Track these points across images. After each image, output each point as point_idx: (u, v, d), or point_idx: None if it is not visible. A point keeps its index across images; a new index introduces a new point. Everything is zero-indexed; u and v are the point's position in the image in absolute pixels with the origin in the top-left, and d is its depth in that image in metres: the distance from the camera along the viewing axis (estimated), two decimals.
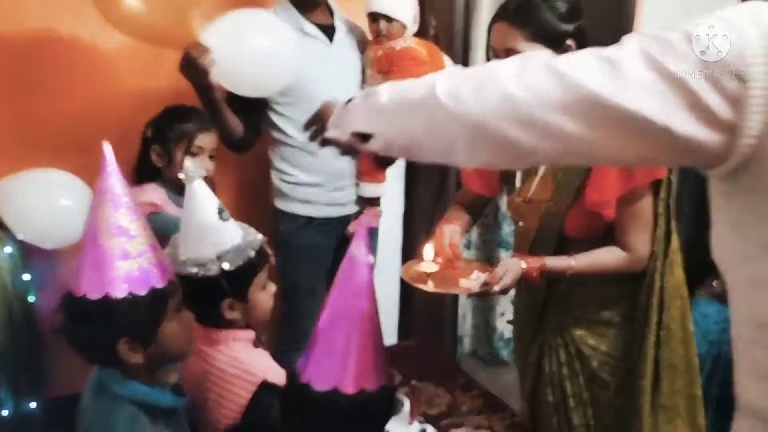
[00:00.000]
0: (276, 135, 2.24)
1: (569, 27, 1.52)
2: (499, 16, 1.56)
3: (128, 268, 1.13)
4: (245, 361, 1.34)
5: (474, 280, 1.58)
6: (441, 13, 2.76)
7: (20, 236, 2.04)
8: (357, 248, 1.08)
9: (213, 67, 1.87)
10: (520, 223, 1.71)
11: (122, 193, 1.15)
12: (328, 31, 2.23)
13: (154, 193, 1.90)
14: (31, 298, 2.14)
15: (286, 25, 2.06)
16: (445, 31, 2.78)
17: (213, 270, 1.29)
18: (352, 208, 2.36)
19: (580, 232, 1.60)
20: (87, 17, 1.95)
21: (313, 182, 2.26)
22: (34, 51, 2.21)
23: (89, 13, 1.88)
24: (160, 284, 1.15)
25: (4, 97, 2.21)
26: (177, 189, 1.93)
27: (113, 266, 1.12)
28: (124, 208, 1.14)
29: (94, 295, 1.11)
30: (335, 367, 1.06)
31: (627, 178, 1.51)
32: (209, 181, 2.01)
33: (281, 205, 2.31)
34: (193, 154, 1.94)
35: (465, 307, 3.31)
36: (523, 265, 1.57)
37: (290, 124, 2.20)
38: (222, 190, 2.51)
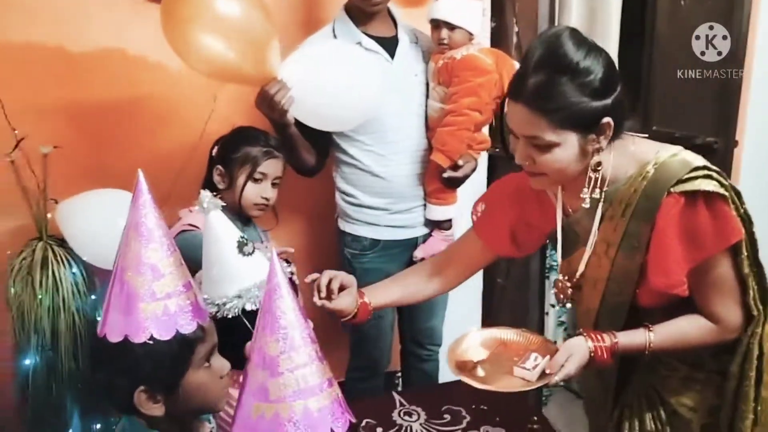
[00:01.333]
0: (339, 155, 2.15)
1: (605, 102, 1.25)
2: (515, 95, 1.29)
3: (153, 310, 1.04)
4: None
5: (531, 368, 1.36)
6: (524, 18, 2.59)
7: (85, 257, 2.03)
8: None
9: (291, 104, 1.80)
10: (568, 305, 1.50)
11: (155, 226, 1.06)
12: (390, 44, 2.10)
13: (202, 216, 1.82)
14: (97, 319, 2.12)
15: (364, 54, 1.98)
16: (530, 38, 2.61)
17: (233, 310, 1.19)
18: (421, 231, 2.23)
19: (654, 302, 1.38)
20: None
21: (377, 204, 2.14)
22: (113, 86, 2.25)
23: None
24: (187, 329, 1.06)
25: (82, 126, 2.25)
26: (236, 214, 1.86)
27: (136, 307, 1.03)
28: (156, 243, 1.06)
29: (114, 337, 1.03)
30: None
31: (695, 250, 1.29)
32: (272, 209, 1.96)
33: (345, 227, 2.21)
34: (256, 180, 1.86)
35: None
36: (591, 345, 1.34)
37: (353, 144, 2.10)
38: (287, 212, 2.50)
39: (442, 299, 2.37)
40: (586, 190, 1.35)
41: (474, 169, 2.12)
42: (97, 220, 2.01)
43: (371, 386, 2.36)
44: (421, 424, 1.90)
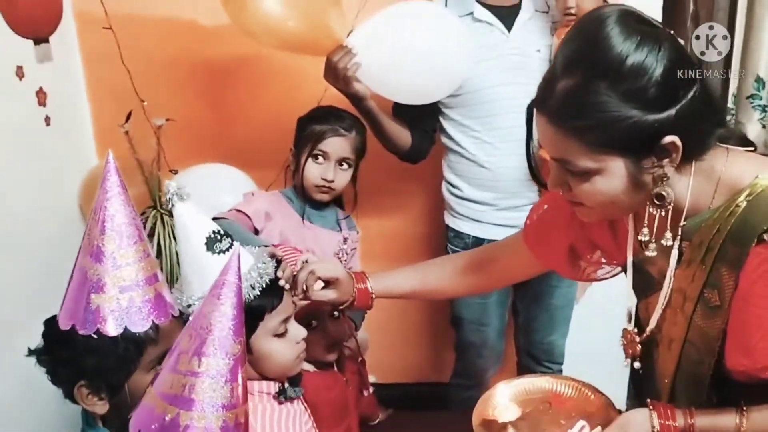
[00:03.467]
0: (445, 141, 1.93)
1: (666, 114, 0.89)
2: (540, 105, 0.97)
3: (102, 302, 0.95)
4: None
5: None
6: None
7: None
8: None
9: (357, 72, 1.66)
10: (636, 364, 1.15)
11: (117, 212, 0.98)
12: (510, 14, 1.82)
13: (263, 200, 1.72)
14: None
15: (450, 16, 1.73)
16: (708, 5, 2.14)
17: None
18: None
19: (750, 378, 0.99)
20: None
21: (482, 198, 1.90)
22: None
23: None
24: (138, 328, 0.96)
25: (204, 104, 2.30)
26: (303, 196, 1.75)
27: (86, 297, 0.96)
28: (115, 231, 0.97)
29: (62, 324, 0.96)
30: None
31: None
32: (348, 196, 1.82)
33: (450, 221, 2.01)
34: (316, 158, 1.71)
35: None
36: (656, 424, 1.03)
37: (458, 129, 1.87)
38: (391, 202, 2.37)
39: (565, 312, 2.07)
40: (645, 230, 1.01)
41: None
42: (202, 195, 2.04)
43: (475, 395, 2.14)
44: None
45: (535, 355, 2.13)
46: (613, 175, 0.95)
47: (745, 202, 0.94)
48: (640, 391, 1.18)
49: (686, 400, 1.07)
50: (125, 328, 0.95)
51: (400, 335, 2.56)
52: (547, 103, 0.95)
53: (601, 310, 2.11)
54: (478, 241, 1.92)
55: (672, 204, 0.97)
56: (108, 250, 0.96)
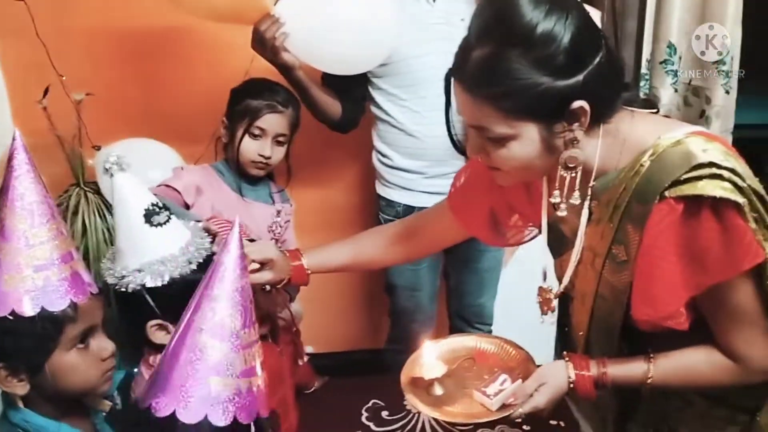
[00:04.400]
0: (375, 111, 1.94)
1: (575, 80, 0.93)
2: (457, 74, 1.00)
3: (16, 283, 0.95)
4: None
5: (492, 395, 1.13)
6: None
7: None
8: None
9: (284, 41, 1.64)
10: (546, 317, 1.21)
11: (27, 191, 0.97)
12: None
13: (194, 174, 1.71)
14: None
15: None
16: None
17: (132, 285, 1.08)
18: None
19: (654, 328, 1.05)
20: None
21: (411, 167, 1.92)
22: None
23: None
24: (56, 307, 0.96)
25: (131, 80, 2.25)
26: (236, 171, 1.75)
27: (0, 278, 0.95)
28: (25, 210, 0.96)
29: None
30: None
31: (697, 274, 0.97)
32: (281, 169, 1.82)
33: (381, 190, 2.03)
34: (255, 136, 1.71)
35: None
36: (572, 374, 1.09)
37: (387, 98, 1.88)
38: (324, 173, 2.38)
39: (493, 275, 2.14)
40: (556, 193, 1.05)
41: None
42: (129, 171, 2.00)
43: None
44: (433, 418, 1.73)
45: (466, 317, 2.19)
46: (527, 140, 0.98)
47: (648, 162, 0.98)
48: (564, 347, 1.24)
49: (599, 351, 1.13)
50: (42, 308, 0.95)
51: (335, 305, 2.59)
52: (463, 71, 0.97)
53: (528, 272, 2.20)
54: (409, 209, 1.95)
55: (581, 166, 1.02)
56: (19, 229, 0.96)
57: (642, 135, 1.02)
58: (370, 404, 1.76)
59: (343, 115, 1.90)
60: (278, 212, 1.82)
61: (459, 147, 1.15)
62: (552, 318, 1.21)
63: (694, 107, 2.10)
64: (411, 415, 1.71)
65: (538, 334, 1.52)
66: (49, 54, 2.08)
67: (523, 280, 2.22)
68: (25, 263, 0.95)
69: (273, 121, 1.71)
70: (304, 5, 1.66)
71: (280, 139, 1.74)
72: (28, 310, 0.94)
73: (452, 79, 1.02)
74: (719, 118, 2.05)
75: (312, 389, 1.83)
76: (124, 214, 1.10)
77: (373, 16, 1.71)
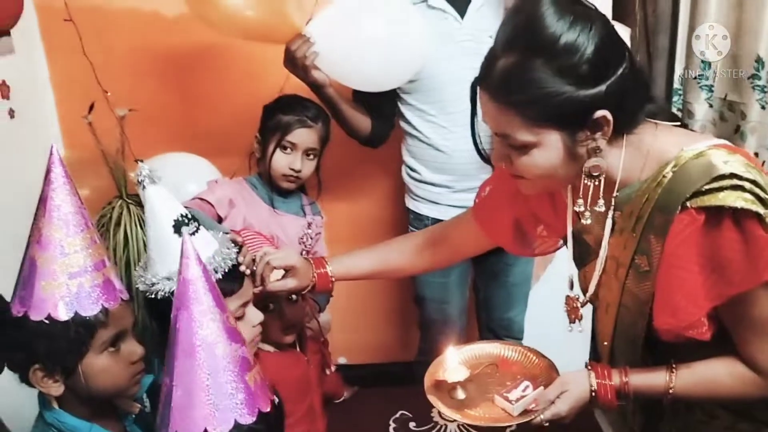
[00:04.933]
0: (404, 126, 1.98)
1: (597, 90, 0.95)
2: (482, 82, 1.02)
3: (53, 288, 1.00)
4: None
5: (514, 400, 1.13)
6: None
7: None
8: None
9: (315, 60, 1.70)
10: (575, 326, 1.22)
11: (63, 202, 1.02)
12: (463, 1, 1.85)
13: (227, 188, 1.77)
14: None
15: (406, 4, 1.77)
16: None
17: (162, 292, 1.12)
18: None
19: (679, 340, 1.05)
20: None
21: (439, 181, 1.95)
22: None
23: None
24: (89, 312, 1.01)
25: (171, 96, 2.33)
26: (269, 184, 1.80)
27: (37, 284, 1.00)
28: (61, 220, 1.02)
29: (16, 310, 1.01)
30: None
31: (719, 284, 0.97)
32: (312, 183, 1.87)
33: (410, 204, 2.06)
34: (285, 149, 1.76)
35: None
36: (594, 382, 1.10)
37: (415, 114, 1.91)
38: (355, 186, 2.42)
39: (522, 289, 2.14)
40: (580, 201, 1.06)
41: None
42: (167, 184, 2.07)
43: None
44: (459, 426, 1.74)
45: (495, 330, 2.19)
46: (550, 148, 1.01)
47: (671, 173, 1.00)
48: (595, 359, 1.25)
49: (624, 361, 1.14)
50: (75, 312, 1.00)
51: (367, 317, 2.62)
52: (489, 80, 1.00)
53: (560, 288, 2.19)
54: (437, 223, 1.96)
55: (605, 176, 1.04)
56: (55, 238, 1.01)
57: (665, 147, 1.03)
58: (398, 415, 1.78)
59: (372, 130, 1.94)
60: (309, 224, 1.86)
61: (484, 156, 1.18)
62: (582, 329, 1.22)
63: (730, 122, 2.07)
64: (438, 426, 1.72)
65: (570, 350, 1.52)
66: (95, 71, 2.18)
67: (555, 295, 2.23)
68: (60, 270, 1.00)
69: (303, 136, 1.76)
70: (334, 25, 1.71)
71: (311, 153, 1.79)
72: (63, 314, 0.99)
73: (478, 89, 1.04)
74: (755, 133, 2.02)
75: (341, 399, 1.86)
76: (154, 225, 1.15)
77: (402, 34, 1.75)
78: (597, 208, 1.06)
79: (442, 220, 1.94)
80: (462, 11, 1.85)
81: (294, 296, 1.50)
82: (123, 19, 2.25)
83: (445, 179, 1.94)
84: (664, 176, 1.01)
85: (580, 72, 0.94)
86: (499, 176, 1.34)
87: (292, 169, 1.76)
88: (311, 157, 1.80)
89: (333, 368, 1.77)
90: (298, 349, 1.60)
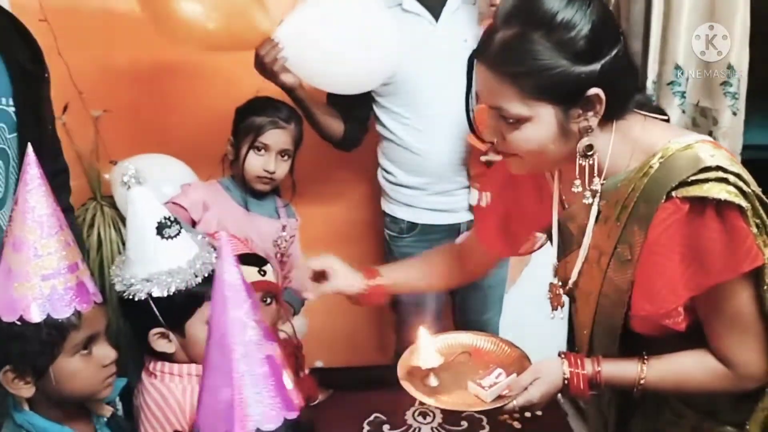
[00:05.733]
0: (379, 129, 1.99)
1: (591, 68, 0.98)
2: (480, 54, 1.04)
3: (25, 291, 0.99)
4: (170, 400, 1.17)
5: (487, 387, 1.15)
6: None
7: None
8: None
9: (283, 64, 1.71)
10: (556, 313, 1.25)
11: (37, 204, 1.01)
12: (437, 4, 1.87)
13: (200, 191, 1.77)
14: None
15: (378, 7, 1.78)
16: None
17: (140, 293, 1.12)
18: (465, 217, 2.02)
19: (652, 331, 1.08)
20: None
21: (414, 183, 1.97)
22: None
23: None
24: (62, 314, 1.00)
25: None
26: (242, 187, 1.80)
27: (9, 286, 1.00)
28: (35, 222, 1.01)
29: None
30: None
31: (698, 274, 0.99)
32: (286, 184, 1.87)
33: (385, 206, 2.08)
34: (258, 150, 1.77)
35: None
36: (566, 370, 1.12)
37: (390, 116, 1.93)
38: (330, 189, 2.42)
39: (497, 291, 2.16)
40: (577, 182, 1.08)
41: None
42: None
43: None
44: (432, 428, 1.74)
45: None
46: (543, 123, 1.03)
47: (657, 164, 1.03)
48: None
49: (602, 351, 1.15)
50: (48, 315, 0.99)
51: (344, 320, 2.62)
52: (488, 51, 1.02)
53: (534, 290, 2.22)
54: (413, 226, 1.99)
55: (597, 157, 1.06)
56: (29, 240, 1.00)
57: (653, 139, 1.06)
58: (372, 418, 1.78)
59: (345, 133, 1.95)
60: (284, 227, 1.86)
61: (473, 126, 1.21)
62: (563, 316, 1.24)
63: (702, 128, 2.10)
64: (413, 428, 1.73)
65: (544, 352, 1.53)
66: (69, 71, 2.15)
67: (529, 298, 2.26)
68: (33, 272, 1.00)
69: (276, 137, 1.77)
70: (304, 29, 1.72)
71: (284, 154, 1.80)
72: (35, 316, 0.99)
73: (475, 62, 1.06)
74: (726, 139, 2.06)
75: (316, 402, 1.86)
76: (136, 226, 1.16)
77: (373, 38, 1.75)
78: (593, 187, 1.08)
79: (417, 224, 1.99)
80: (436, 15, 1.87)
81: (268, 299, 1.50)
82: (98, 19, 2.23)
83: (420, 181, 1.96)
84: (650, 166, 1.03)
85: (577, 48, 0.97)
86: (485, 184, 1.40)
87: (266, 171, 1.76)
88: (285, 158, 1.80)
89: (306, 371, 1.77)
90: None
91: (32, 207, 1.01)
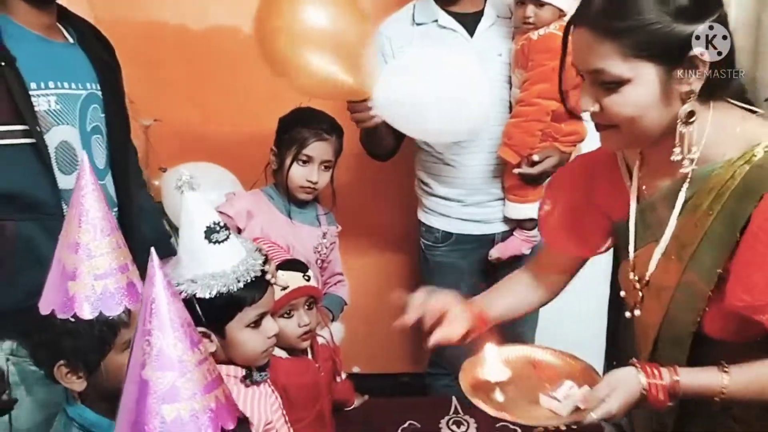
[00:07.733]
0: (417, 141, 2.03)
1: (694, 28, 0.95)
2: (579, 19, 1.03)
3: (79, 289, 1.05)
4: None
5: (561, 399, 1.11)
6: None
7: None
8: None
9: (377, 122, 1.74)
10: (636, 312, 1.19)
11: (91, 207, 1.07)
12: (473, 20, 1.91)
13: (245, 200, 1.83)
14: None
15: (469, 60, 1.80)
16: None
17: (184, 293, 1.17)
18: (498, 228, 2.03)
19: (729, 334, 1.06)
20: None
21: (449, 195, 2.00)
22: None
23: None
24: (112, 312, 1.06)
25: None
26: (285, 195, 1.85)
27: (64, 285, 1.05)
28: (89, 224, 1.07)
29: (43, 309, 1.06)
30: None
31: None
32: (326, 193, 1.92)
33: (421, 216, 2.11)
34: (302, 162, 1.82)
35: None
36: (644, 381, 1.05)
37: None
38: (371, 199, 2.46)
39: None
40: (677, 150, 1.02)
41: (558, 165, 1.86)
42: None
43: (450, 384, 2.23)
44: None
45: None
46: (644, 84, 1.00)
47: (761, 153, 1.00)
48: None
49: (668, 356, 1.11)
50: (100, 312, 1.05)
51: (381, 327, 2.63)
52: (588, 10, 1.01)
53: (569, 304, 2.21)
54: (447, 236, 2.02)
55: (695, 132, 1.02)
56: (83, 241, 1.06)
57: (755, 129, 1.03)
58: (406, 425, 1.81)
59: (393, 148, 1.99)
60: (324, 234, 1.91)
61: (564, 98, 1.21)
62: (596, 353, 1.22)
63: None
64: None
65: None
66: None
67: (565, 312, 2.25)
68: (87, 272, 1.05)
69: (319, 149, 1.82)
70: (397, 90, 1.72)
71: (326, 164, 1.84)
72: (87, 314, 1.04)
73: (571, 29, 1.05)
74: None
75: (351, 407, 1.89)
76: (188, 228, 1.21)
77: (467, 95, 1.75)
78: (691, 156, 1.03)
79: (452, 233, 2.02)
80: (471, 30, 1.91)
81: (310, 304, 1.54)
82: (148, 30, 2.32)
83: (456, 193, 1.99)
84: (754, 155, 1.00)
85: (682, 4, 0.96)
86: (552, 186, 1.39)
87: (309, 181, 1.82)
88: (326, 168, 1.85)
89: (344, 376, 1.80)
90: (309, 355, 1.64)
91: (86, 210, 1.07)
